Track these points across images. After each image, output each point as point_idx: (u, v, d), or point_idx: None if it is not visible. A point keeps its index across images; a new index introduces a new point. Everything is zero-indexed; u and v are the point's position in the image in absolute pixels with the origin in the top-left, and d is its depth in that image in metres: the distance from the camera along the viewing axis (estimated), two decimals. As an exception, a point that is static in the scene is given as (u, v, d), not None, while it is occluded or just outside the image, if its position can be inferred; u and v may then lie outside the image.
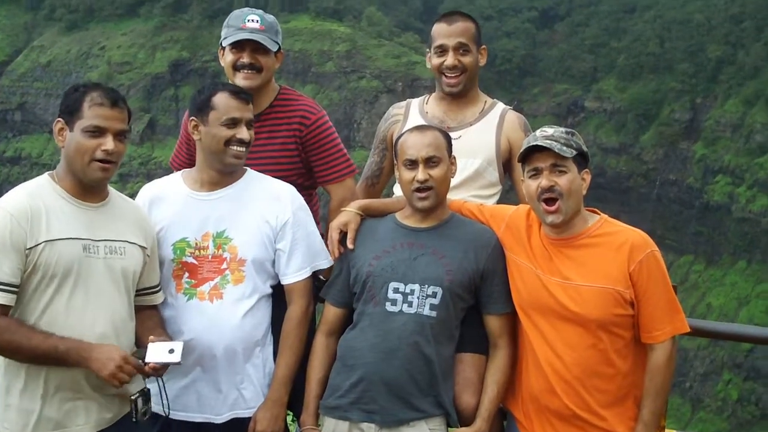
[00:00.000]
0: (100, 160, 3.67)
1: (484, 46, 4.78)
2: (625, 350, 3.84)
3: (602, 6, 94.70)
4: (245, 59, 4.52)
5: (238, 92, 4.12)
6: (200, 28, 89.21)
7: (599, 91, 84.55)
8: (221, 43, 4.63)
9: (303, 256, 4.22)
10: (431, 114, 4.76)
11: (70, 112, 3.70)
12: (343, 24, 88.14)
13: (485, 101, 4.79)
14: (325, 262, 4.30)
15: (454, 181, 4.28)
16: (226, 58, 4.61)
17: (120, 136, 3.72)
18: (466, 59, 4.64)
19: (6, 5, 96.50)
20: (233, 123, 4.05)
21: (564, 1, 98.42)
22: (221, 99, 4.07)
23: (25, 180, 4.03)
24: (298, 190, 4.39)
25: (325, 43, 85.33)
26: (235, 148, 4.06)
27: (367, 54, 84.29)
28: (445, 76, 4.67)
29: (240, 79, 4.52)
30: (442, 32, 4.69)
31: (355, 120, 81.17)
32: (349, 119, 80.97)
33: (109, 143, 3.66)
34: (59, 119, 3.75)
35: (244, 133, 4.07)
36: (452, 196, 4.34)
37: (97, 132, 3.66)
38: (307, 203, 4.47)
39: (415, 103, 4.88)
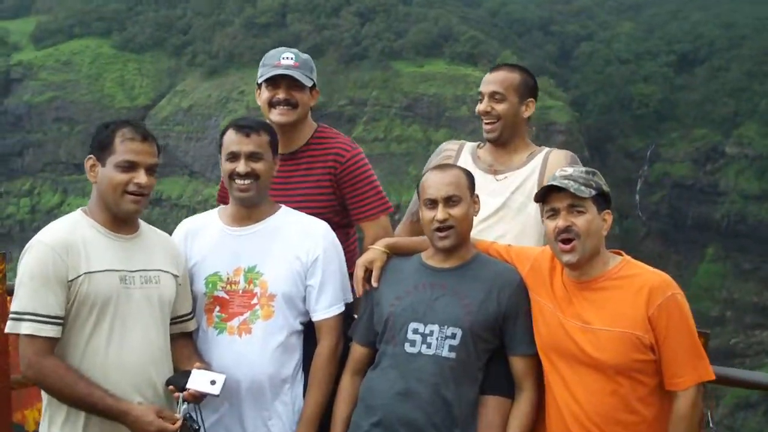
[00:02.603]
0: (132, 193, 3.84)
1: (532, 99, 4.83)
2: (650, 398, 3.74)
3: (743, 50, 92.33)
4: (280, 95, 4.64)
5: (241, 126, 4.22)
6: (336, 73, 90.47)
7: (740, 136, 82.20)
8: (257, 82, 4.76)
9: (333, 293, 4.27)
10: (482, 158, 4.84)
11: (102, 149, 3.87)
12: (477, 69, 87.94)
13: (534, 149, 4.83)
14: (347, 298, 4.36)
15: (496, 217, 4.51)
16: (262, 96, 4.75)
17: (151, 169, 3.90)
18: (500, 107, 4.73)
19: (151, 51, 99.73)
20: (233, 157, 4.19)
21: (703, 45, 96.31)
22: (227, 136, 4.22)
23: (165, 221, 4.10)
24: (334, 228, 4.46)
25: (460, 87, 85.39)
26: (237, 182, 4.19)
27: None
28: (483, 122, 4.79)
29: (275, 115, 4.66)
30: (484, 80, 4.85)
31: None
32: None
33: (140, 177, 3.84)
34: (91, 156, 3.91)
35: (242, 165, 4.15)
36: (492, 232, 4.50)
37: (129, 166, 3.83)
38: (344, 241, 4.58)
39: (469, 145, 4.98)
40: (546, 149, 4.81)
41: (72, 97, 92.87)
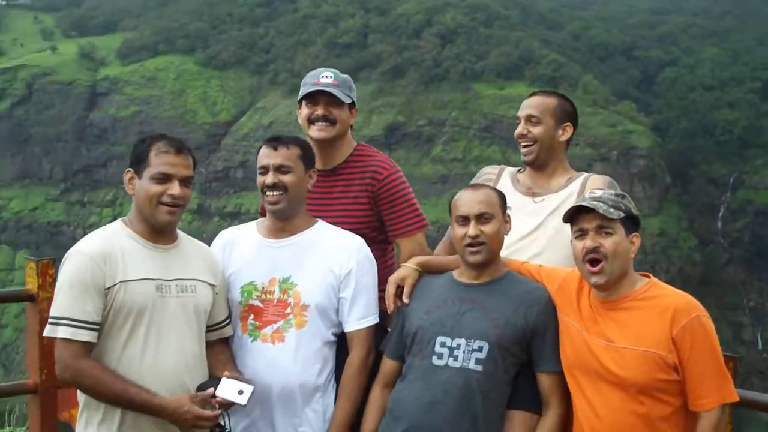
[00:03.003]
0: (167, 204, 3.94)
1: (568, 124, 4.83)
2: (674, 418, 3.72)
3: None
4: (319, 111, 4.72)
5: (270, 140, 4.35)
6: (416, 93, 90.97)
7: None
8: (298, 99, 4.85)
9: (366, 306, 4.35)
10: (521, 182, 4.88)
11: (139, 162, 3.99)
12: (558, 91, 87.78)
13: (574, 174, 4.84)
14: (375, 316, 4.41)
15: (532, 237, 4.55)
16: (302, 113, 4.82)
17: (185, 181, 4.00)
18: (535, 130, 4.76)
19: (234, 69, 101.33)
20: (264, 170, 4.30)
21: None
22: (261, 151, 4.33)
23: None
24: (371, 244, 4.56)
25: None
26: (267, 193, 4.29)
27: (581, 122, 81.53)
28: (520, 146, 4.84)
29: (314, 131, 4.74)
30: (521, 105, 4.90)
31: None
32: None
33: (175, 188, 3.94)
34: (129, 169, 4.03)
35: (269, 177, 4.26)
36: (528, 251, 4.53)
37: (164, 178, 3.94)
38: (381, 257, 4.72)
39: (509, 170, 5.01)
40: (585, 174, 4.82)
41: (156, 112, 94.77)
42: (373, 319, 4.37)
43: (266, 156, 4.30)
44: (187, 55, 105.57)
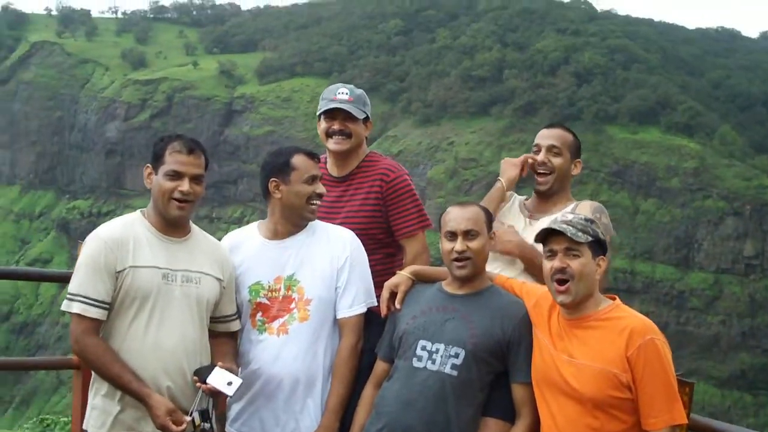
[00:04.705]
0: (178, 199, 4.24)
1: (579, 160, 5.15)
2: None
3: None
4: (336, 126, 5.07)
5: (311, 153, 4.65)
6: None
7: None
8: (317, 114, 5.18)
9: (356, 294, 4.63)
10: (527, 206, 5.18)
11: (156, 159, 4.30)
12: (693, 140, 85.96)
13: (574, 202, 5.08)
14: (370, 301, 4.68)
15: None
16: (321, 126, 5.17)
17: (196, 179, 4.29)
18: (556, 160, 5.04)
19: (367, 95, 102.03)
20: (313, 180, 4.58)
21: None
22: (301, 161, 4.58)
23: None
24: (381, 247, 5.05)
25: (673, 158, 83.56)
26: (316, 202, 4.60)
27: (716, 173, 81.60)
28: (537, 174, 5.09)
29: (332, 144, 5.10)
30: (540, 134, 5.15)
31: (696, 240, 78.57)
32: (690, 238, 78.55)
33: (185, 185, 4.24)
34: (148, 165, 4.34)
35: (321, 187, 4.62)
36: (520, 265, 4.85)
37: (175, 175, 4.24)
38: (390, 261, 5.08)
39: (518, 197, 5.30)
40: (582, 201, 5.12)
41: (288, 133, 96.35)
42: (362, 308, 4.63)
43: (315, 167, 4.63)
44: (323, 78, 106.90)
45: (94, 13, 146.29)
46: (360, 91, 5.18)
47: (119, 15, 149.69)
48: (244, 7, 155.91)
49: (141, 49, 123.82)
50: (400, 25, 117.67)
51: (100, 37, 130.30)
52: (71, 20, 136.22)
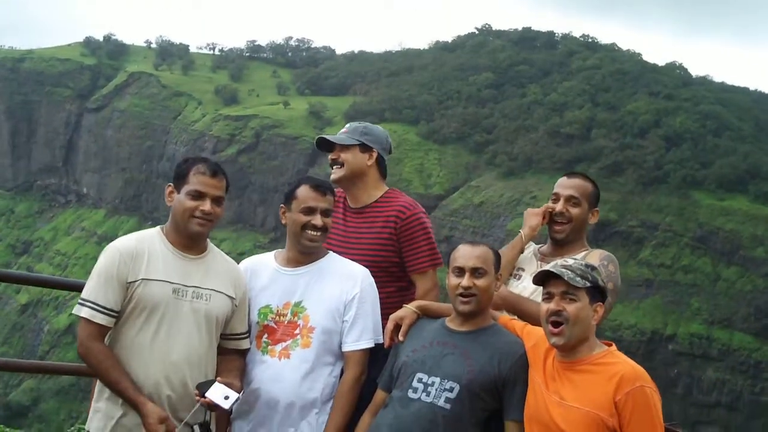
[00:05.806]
0: (199, 218, 4.45)
1: (597, 209, 5.24)
2: None
3: None
4: (332, 156, 5.34)
5: (318, 185, 4.82)
6: (632, 193, 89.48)
7: None
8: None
9: (363, 329, 4.76)
10: (542, 251, 5.27)
11: (179, 179, 4.52)
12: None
13: (587, 249, 5.18)
14: (377, 338, 4.79)
15: (535, 294, 4.75)
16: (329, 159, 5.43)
17: (217, 200, 4.51)
18: (574, 210, 5.13)
19: (453, 145, 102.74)
20: (309, 211, 4.74)
21: None
22: (302, 191, 4.79)
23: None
24: (394, 280, 5.17)
25: (759, 227, 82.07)
26: (309, 232, 4.74)
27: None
28: (555, 223, 5.17)
29: (332, 174, 5.33)
30: (560, 183, 5.26)
31: (781, 311, 76.79)
32: (773, 309, 76.76)
33: (206, 205, 4.46)
34: (170, 184, 4.55)
35: (318, 220, 4.75)
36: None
37: (198, 195, 4.46)
38: (404, 292, 5.18)
39: (534, 245, 5.38)
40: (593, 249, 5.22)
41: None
42: (369, 343, 4.76)
43: (314, 199, 4.78)
44: (410, 126, 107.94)
45: (192, 49, 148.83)
46: (363, 125, 5.47)
47: (216, 52, 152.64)
48: (339, 51, 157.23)
49: (234, 86, 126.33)
50: (491, 79, 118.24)
51: (195, 71, 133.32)
52: (169, 54, 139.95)
